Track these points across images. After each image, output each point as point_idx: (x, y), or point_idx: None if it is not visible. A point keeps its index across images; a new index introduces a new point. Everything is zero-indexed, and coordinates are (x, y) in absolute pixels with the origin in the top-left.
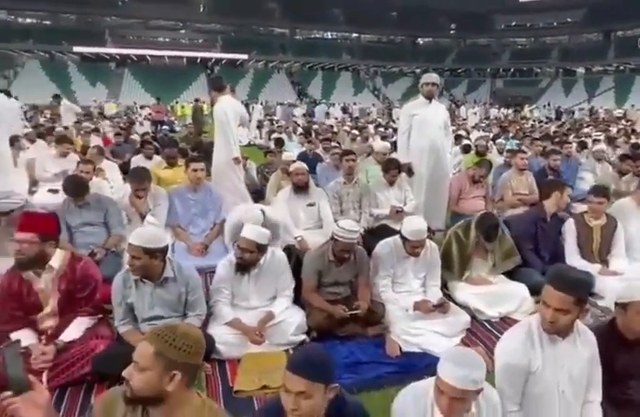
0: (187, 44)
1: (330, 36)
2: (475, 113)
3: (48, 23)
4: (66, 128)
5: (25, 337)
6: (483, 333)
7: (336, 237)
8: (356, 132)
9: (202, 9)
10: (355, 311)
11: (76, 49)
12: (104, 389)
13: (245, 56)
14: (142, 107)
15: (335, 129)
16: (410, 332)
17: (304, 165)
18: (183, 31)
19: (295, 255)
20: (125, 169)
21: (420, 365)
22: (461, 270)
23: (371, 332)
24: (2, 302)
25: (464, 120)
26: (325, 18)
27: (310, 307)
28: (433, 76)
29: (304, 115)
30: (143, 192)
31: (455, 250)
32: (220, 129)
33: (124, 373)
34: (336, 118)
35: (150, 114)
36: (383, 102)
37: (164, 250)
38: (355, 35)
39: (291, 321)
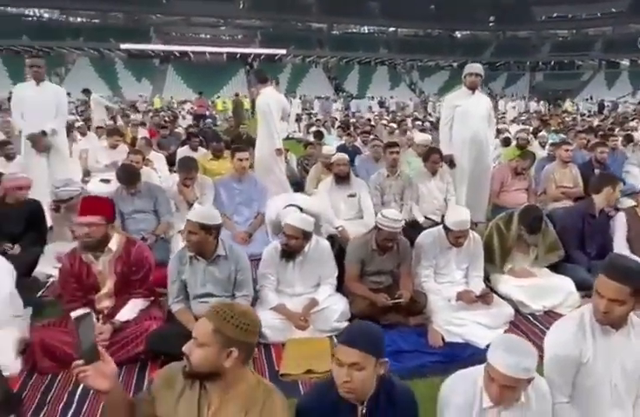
0: (227, 40)
1: (366, 31)
2: (513, 107)
3: (97, 21)
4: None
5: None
6: (526, 326)
7: (379, 226)
8: (393, 125)
9: (241, 6)
10: (397, 300)
11: (123, 46)
12: (157, 367)
13: (283, 51)
14: (183, 102)
15: (372, 123)
16: (452, 322)
17: (346, 156)
18: (223, 28)
19: (337, 244)
20: (171, 161)
21: (463, 355)
22: (502, 262)
23: (413, 321)
24: (63, 283)
25: (503, 114)
26: (362, 12)
27: (353, 295)
28: (477, 67)
29: (341, 109)
30: (190, 181)
31: (496, 242)
32: (263, 120)
33: (184, 349)
34: (374, 112)
35: (192, 108)
36: (420, 96)
37: (218, 228)
38: (392, 29)
39: (335, 308)
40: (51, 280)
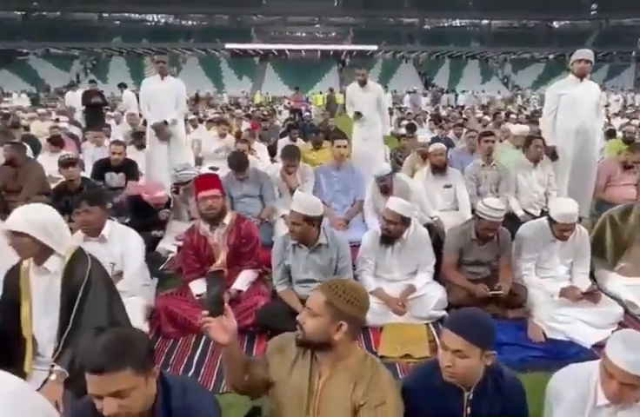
0: (321, 38)
1: (459, 24)
2: (617, 100)
3: (205, 23)
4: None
5: (200, 286)
6: (637, 327)
7: (480, 215)
8: (487, 118)
9: (336, 4)
10: (497, 292)
11: (228, 46)
12: (265, 340)
13: (375, 47)
14: (281, 97)
15: (464, 116)
16: (555, 318)
17: (443, 146)
18: (318, 26)
19: (434, 233)
20: (272, 151)
21: (568, 353)
22: (615, 259)
23: (512, 314)
24: (184, 255)
25: (606, 106)
26: (455, 5)
27: (451, 284)
28: (587, 52)
29: (431, 102)
30: (293, 168)
31: (609, 236)
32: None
33: (299, 317)
34: (464, 106)
35: (289, 103)
36: (512, 89)
37: (321, 218)
38: (485, 21)
39: (433, 296)
40: (171, 255)
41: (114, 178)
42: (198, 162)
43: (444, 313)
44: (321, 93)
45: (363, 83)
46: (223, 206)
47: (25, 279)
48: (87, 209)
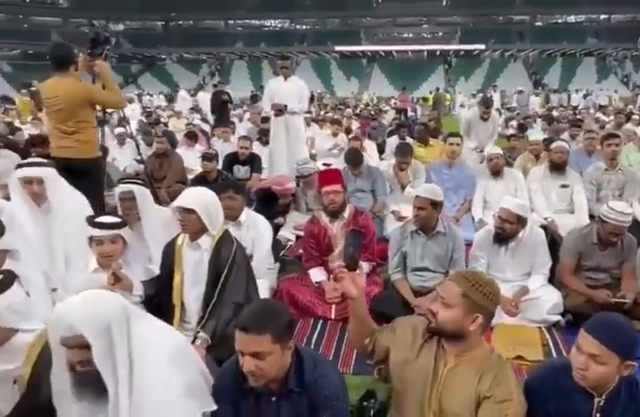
0: (428, 38)
1: (573, 20)
2: None
3: (318, 27)
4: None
5: (319, 274)
6: None
7: (604, 219)
8: (605, 119)
9: (444, 3)
10: (621, 300)
11: (338, 48)
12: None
13: (482, 47)
14: (388, 98)
15: (579, 116)
16: None
17: (565, 144)
18: (425, 26)
19: (549, 235)
20: (380, 149)
21: None
22: None
23: (638, 326)
24: (305, 243)
25: None
26: (569, 1)
27: (567, 288)
28: None
29: (541, 103)
30: (405, 165)
31: None
32: None
33: (433, 307)
34: (577, 106)
35: (394, 103)
36: (634, 89)
37: (442, 204)
38: (603, 16)
39: (548, 299)
40: (290, 243)
41: (240, 171)
42: (312, 158)
43: (559, 318)
44: (431, 92)
45: None
46: (344, 200)
47: (179, 253)
48: (232, 196)
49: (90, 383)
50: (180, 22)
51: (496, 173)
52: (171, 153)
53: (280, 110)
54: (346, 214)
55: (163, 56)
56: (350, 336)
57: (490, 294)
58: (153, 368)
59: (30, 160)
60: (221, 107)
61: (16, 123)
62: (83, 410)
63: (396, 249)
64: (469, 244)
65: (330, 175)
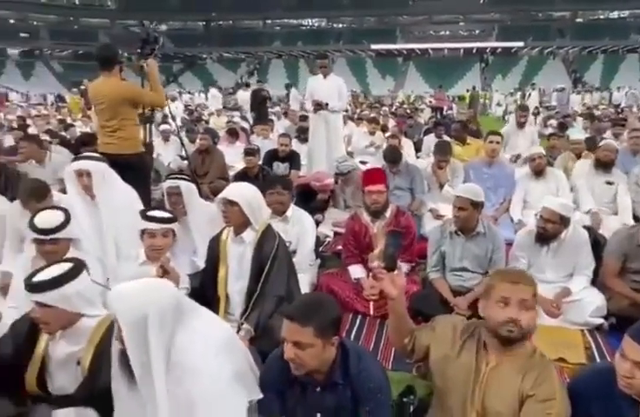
0: (465, 36)
1: (616, 16)
2: None
3: (354, 26)
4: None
5: (358, 271)
6: None
7: None
8: None
9: (482, 0)
10: None
11: (374, 46)
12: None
13: (520, 44)
14: (422, 96)
15: (622, 115)
16: None
17: (614, 143)
18: (462, 23)
19: (592, 236)
20: (416, 147)
21: None
22: None
23: None
24: (345, 240)
25: None
26: None
27: (611, 291)
28: None
29: (581, 101)
30: (444, 163)
31: None
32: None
33: (513, 315)
34: (619, 104)
35: (430, 101)
36: None
37: (483, 205)
38: None
39: (591, 302)
40: (328, 239)
41: (280, 167)
42: (350, 156)
43: (602, 321)
44: (469, 90)
45: None
46: (387, 200)
47: (224, 247)
48: (280, 191)
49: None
50: (220, 22)
51: (539, 173)
52: (213, 149)
53: (319, 106)
54: (388, 213)
55: (204, 56)
56: (390, 335)
57: None
58: (199, 359)
59: (84, 154)
60: (260, 105)
61: (68, 121)
62: (133, 395)
63: (435, 249)
64: (508, 244)
65: (374, 175)
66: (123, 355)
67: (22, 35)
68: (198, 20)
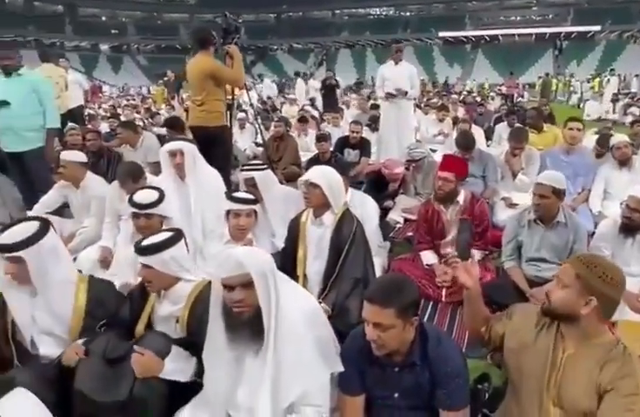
0: (537, 20)
1: None
2: None
3: (423, 13)
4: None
5: (430, 257)
6: None
7: None
8: None
9: None
10: None
11: (441, 34)
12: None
13: (597, 28)
14: (486, 84)
15: None
16: None
17: None
18: (535, 8)
19: None
20: (486, 135)
21: None
22: None
23: None
24: (417, 226)
25: None
26: None
27: None
28: None
29: None
30: (519, 150)
31: None
32: None
33: (547, 287)
34: None
35: (499, 89)
36: None
37: (565, 192)
38: None
39: None
40: (398, 226)
41: (351, 154)
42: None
43: None
44: (540, 77)
45: None
46: (454, 189)
47: (303, 229)
48: None
49: (245, 328)
50: (290, 13)
51: (623, 162)
52: (287, 136)
53: (398, 94)
54: (461, 200)
55: (275, 47)
56: (466, 323)
57: (607, 277)
58: (292, 323)
59: (175, 137)
60: (329, 93)
61: (153, 110)
62: (232, 354)
63: (511, 238)
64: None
65: (450, 162)
66: (239, 314)
67: (112, 31)
68: (270, 12)
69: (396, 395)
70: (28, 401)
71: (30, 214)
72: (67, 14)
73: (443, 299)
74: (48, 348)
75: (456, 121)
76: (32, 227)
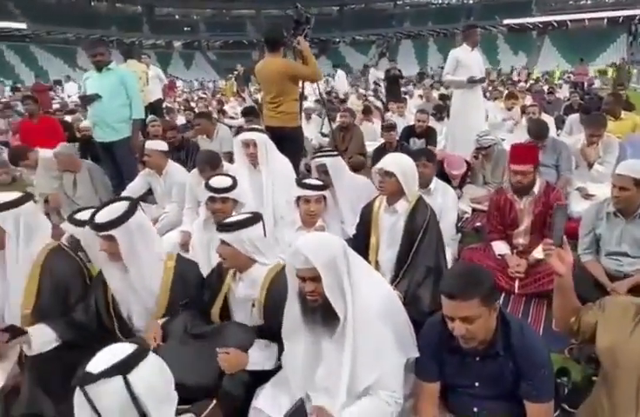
0: (610, 3)
1: None
2: None
3: (487, 0)
4: None
5: (502, 247)
6: None
7: None
8: None
9: None
10: None
11: (506, 21)
12: None
13: None
14: (552, 72)
15: None
16: None
17: None
18: None
19: None
20: (556, 124)
21: None
22: None
23: None
24: (489, 215)
25: None
26: None
27: None
28: None
29: None
30: (597, 138)
31: None
32: None
33: None
34: None
35: (568, 77)
36: None
37: None
38: None
39: None
40: (466, 216)
41: (416, 143)
42: None
43: None
44: (614, 64)
45: None
46: (533, 180)
47: (376, 215)
48: (425, 163)
49: (318, 312)
50: (353, 6)
51: None
52: (353, 126)
53: (475, 80)
54: (536, 189)
55: (337, 40)
56: (555, 313)
57: None
58: (367, 309)
59: (248, 127)
60: (392, 84)
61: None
62: (309, 338)
63: (589, 230)
64: None
65: (523, 153)
66: (312, 302)
67: (184, 29)
68: (333, 5)
69: (476, 384)
70: (162, 366)
71: None
72: (145, 14)
73: (516, 291)
74: (141, 322)
75: (524, 109)
76: (121, 207)
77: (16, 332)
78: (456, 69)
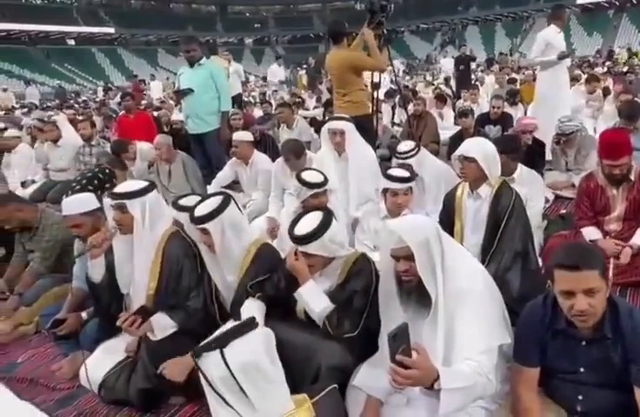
0: None
1: None
2: None
3: None
4: None
5: (594, 233)
6: None
7: None
8: None
9: None
10: None
11: (580, 1)
12: None
13: None
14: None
15: None
16: None
17: None
18: None
19: None
20: None
21: None
22: None
23: None
24: (579, 202)
25: None
26: None
27: None
28: None
29: None
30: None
31: None
32: None
33: None
34: None
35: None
36: None
37: None
38: None
39: None
40: (546, 205)
41: (492, 130)
42: None
43: None
44: None
45: None
46: (630, 167)
47: (459, 201)
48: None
49: (413, 292)
50: None
51: None
52: (426, 114)
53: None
54: (632, 176)
55: (402, 29)
56: None
57: None
58: (461, 290)
59: (336, 116)
60: (463, 71)
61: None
62: (405, 315)
63: None
64: None
65: (616, 146)
66: (408, 282)
67: (255, 25)
68: None
69: (582, 370)
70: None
71: (208, 188)
72: (218, 13)
73: (610, 277)
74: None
75: (606, 92)
76: (216, 201)
77: (147, 314)
78: (543, 52)
